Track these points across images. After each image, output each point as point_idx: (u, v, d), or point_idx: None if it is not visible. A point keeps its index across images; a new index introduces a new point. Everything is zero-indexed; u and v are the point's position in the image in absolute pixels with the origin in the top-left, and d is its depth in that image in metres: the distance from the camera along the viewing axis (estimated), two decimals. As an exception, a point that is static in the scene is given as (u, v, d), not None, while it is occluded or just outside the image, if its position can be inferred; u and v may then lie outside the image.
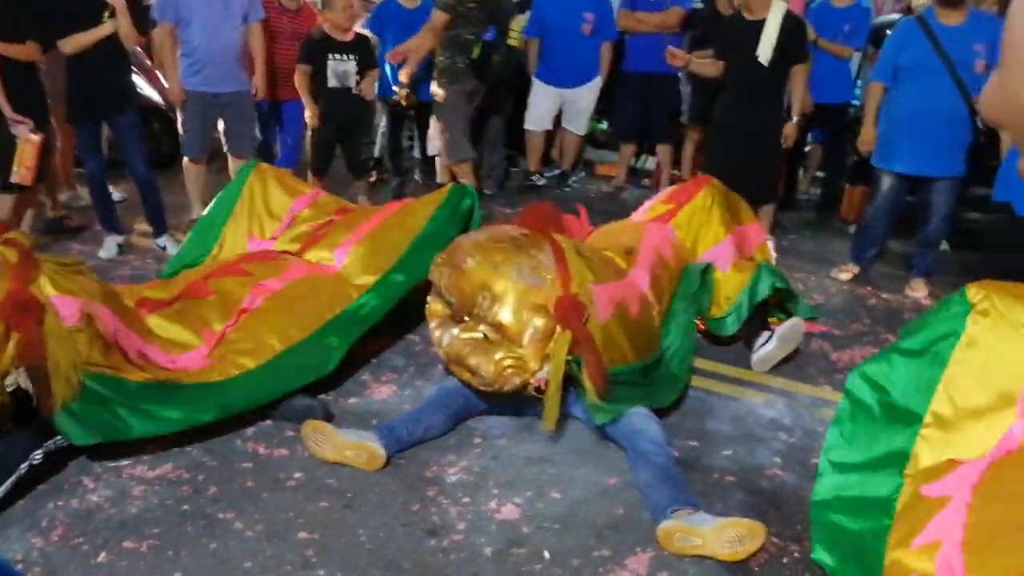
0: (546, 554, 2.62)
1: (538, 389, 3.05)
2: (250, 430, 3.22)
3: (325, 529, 2.68)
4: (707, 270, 4.00)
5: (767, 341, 3.90)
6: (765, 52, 5.16)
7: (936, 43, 4.72)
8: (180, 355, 3.36)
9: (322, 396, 3.45)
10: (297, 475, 2.96)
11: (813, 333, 4.37)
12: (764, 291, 3.90)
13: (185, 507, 2.77)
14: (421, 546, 2.63)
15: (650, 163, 7.59)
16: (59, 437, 2.84)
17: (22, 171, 4.63)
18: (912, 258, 5.27)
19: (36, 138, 4.63)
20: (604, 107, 7.36)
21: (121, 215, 5.35)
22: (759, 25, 5.15)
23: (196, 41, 5.18)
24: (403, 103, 6.11)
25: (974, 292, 2.48)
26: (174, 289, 3.72)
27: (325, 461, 3.01)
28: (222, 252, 4.22)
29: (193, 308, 3.58)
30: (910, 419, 2.43)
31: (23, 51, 4.60)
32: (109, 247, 5.11)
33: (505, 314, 3.07)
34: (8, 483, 2.72)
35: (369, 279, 3.85)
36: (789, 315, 4.15)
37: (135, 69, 5.33)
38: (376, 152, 7.01)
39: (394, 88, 6.06)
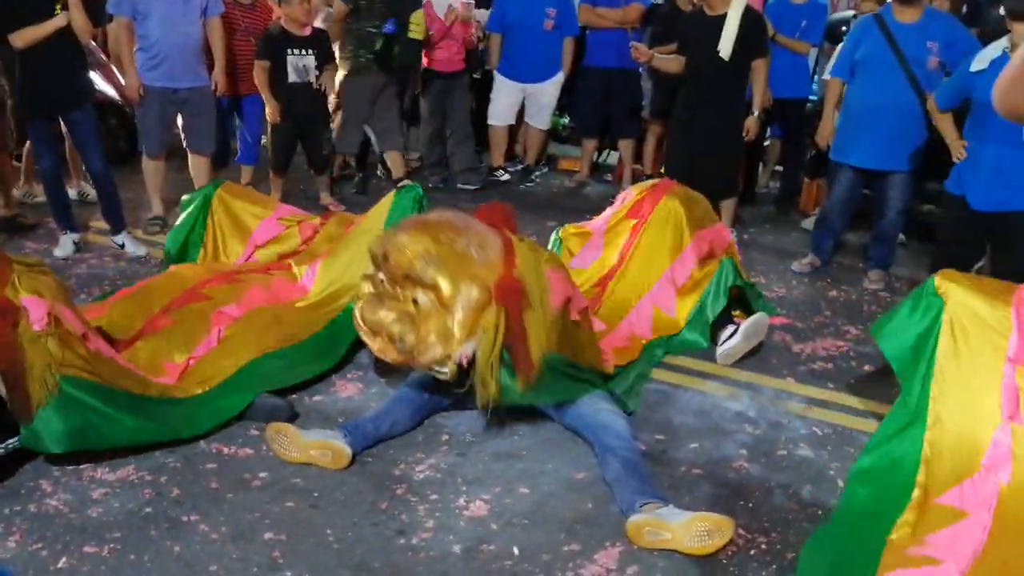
0: (515, 550, 2.62)
1: (461, 366, 2.99)
2: (213, 431, 3.17)
3: (292, 529, 2.65)
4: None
5: (732, 335, 3.94)
6: (726, 47, 5.20)
7: (891, 39, 4.79)
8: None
9: (288, 396, 3.41)
10: (262, 475, 2.92)
11: (775, 326, 4.41)
12: (722, 295, 3.98)
13: (148, 510, 2.72)
14: (390, 545, 2.61)
15: (612, 158, 7.61)
16: (11, 440, 2.78)
17: None
18: (870, 250, 5.35)
19: None
20: (566, 102, 7.38)
21: (77, 212, 5.24)
22: (720, 20, 5.20)
23: (154, 35, 5.08)
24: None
25: (939, 283, 2.57)
26: (131, 324, 3.61)
27: (292, 463, 2.97)
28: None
29: (151, 343, 3.50)
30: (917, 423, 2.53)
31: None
32: (65, 245, 5.00)
33: (442, 278, 2.96)
34: None
35: (338, 304, 3.91)
36: (750, 309, 4.19)
37: (90, 64, 5.22)
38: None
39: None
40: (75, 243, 5.04)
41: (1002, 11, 4.13)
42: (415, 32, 6.12)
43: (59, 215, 5.03)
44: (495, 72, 6.74)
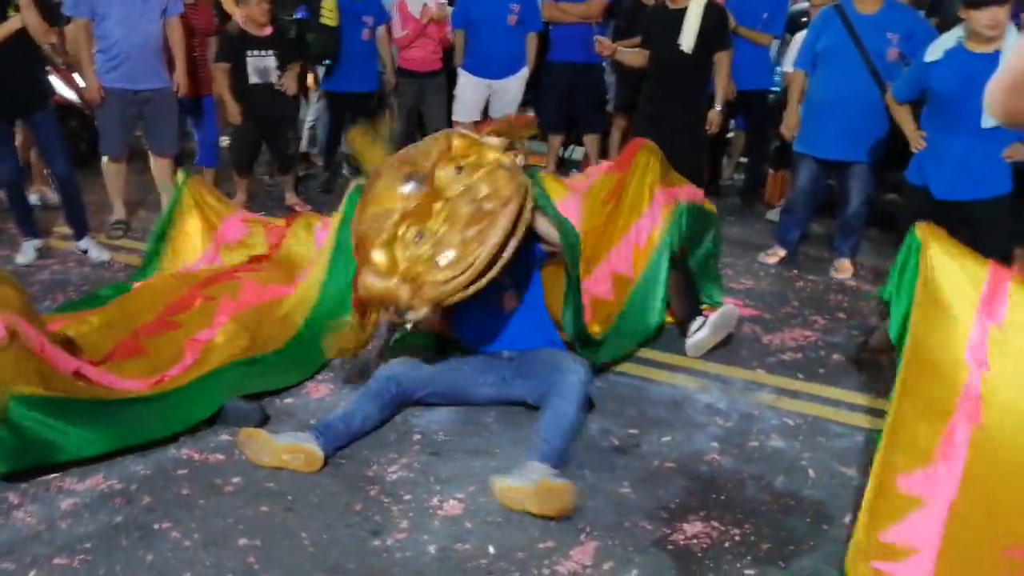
0: (491, 549, 2.61)
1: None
2: (183, 436, 3.13)
3: (266, 534, 2.63)
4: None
5: (700, 327, 3.96)
6: (688, 40, 5.24)
7: (852, 31, 4.84)
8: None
9: (259, 399, 3.38)
10: (235, 480, 2.89)
11: (745, 317, 4.45)
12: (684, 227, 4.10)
13: (118, 519, 2.69)
14: (365, 547, 2.60)
15: (578, 153, 7.63)
16: None
17: None
18: (835, 240, 5.41)
19: None
20: (531, 98, 7.38)
21: (38, 217, 5.16)
22: (681, 14, 5.23)
23: (113, 36, 5.01)
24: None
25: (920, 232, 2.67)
26: (98, 345, 3.55)
27: (265, 467, 2.95)
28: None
29: (120, 367, 3.44)
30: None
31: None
32: (27, 251, 4.92)
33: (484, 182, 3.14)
34: None
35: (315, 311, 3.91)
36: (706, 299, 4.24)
37: (48, 66, 5.14)
38: (303, 146, 6.89)
39: None
40: (37, 249, 4.96)
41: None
42: (327, 18, 6.08)
43: (21, 221, 4.94)
44: (459, 69, 6.72)
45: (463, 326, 3.48)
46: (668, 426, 3.37)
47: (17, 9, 4.46)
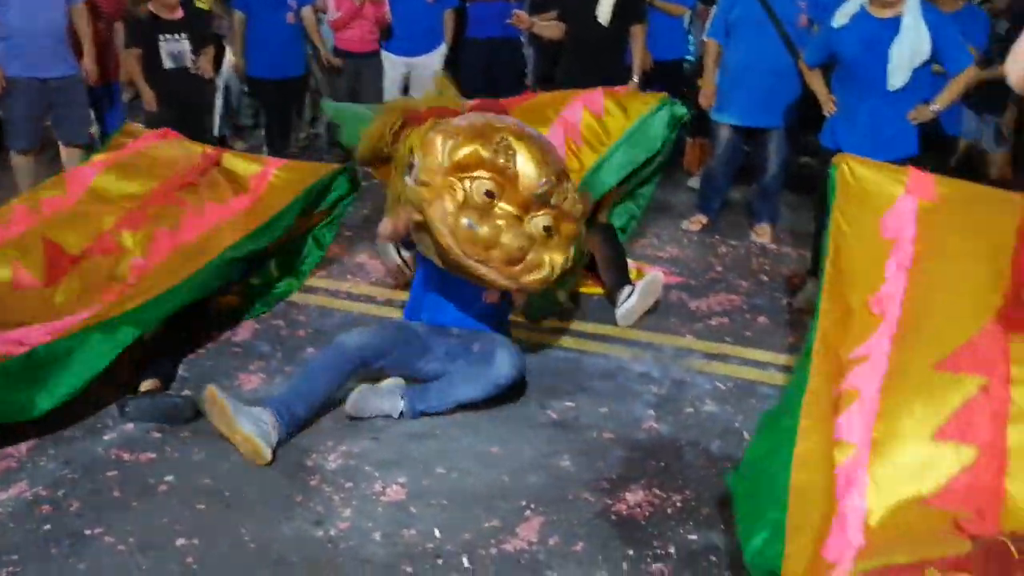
0: (436, 532, 2.60)
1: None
2: (110, 435, 3.03)
3: (205, 533, 2.56)
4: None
5: (629, 296, 4.00)
6: (604, 13, 5.26)
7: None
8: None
9: (186, 392, 3.28)
10: (168, 479, 2.81)
11: (671, 285, 4.52)
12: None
13: (47, 527, 2.58)
14: (308, 538, 2.55)
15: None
16: None
17: None
18: (754, 205, 5.53)
19: None
20: (450, 75, 7.29)
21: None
22: (598, -13, 5.23)
23: (14, 24, 4.79)
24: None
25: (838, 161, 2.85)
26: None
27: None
28: None
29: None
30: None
31: None
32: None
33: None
34: None
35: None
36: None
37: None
38: (215, 131, 6.70)
39: None
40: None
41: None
42: (201, 1, 5.90)
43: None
44: (380, 48, 6.61)
45: (429, 291, 3.41)
46: (604, 397, 3.40)
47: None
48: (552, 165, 3.16)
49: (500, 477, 2.87)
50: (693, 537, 2.61)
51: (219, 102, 6.85)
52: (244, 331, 3.83)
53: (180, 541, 2.52)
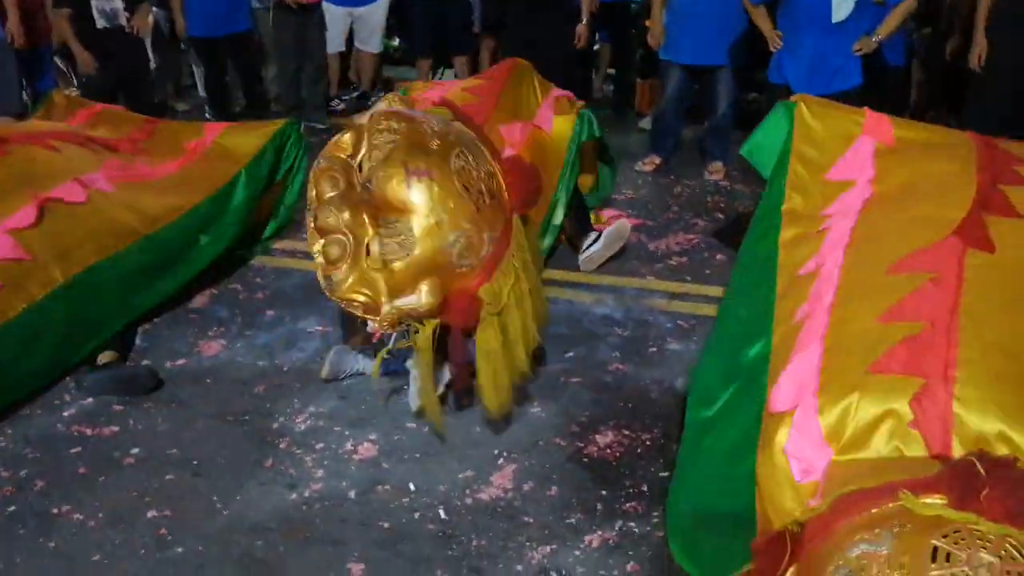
0: (411, 486, 2.60)
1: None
2: (70, 411, 2.97)
3: (176, 503, 2.53)
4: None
5: (594, 242, 3.99)
6: (550, -45, 5.17)
7: None
8: None
9: (146, 362, 3.22)
10: (134, 451, 2.76)
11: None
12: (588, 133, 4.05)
13: (11, 508, 2.52)
14: (282, 502, 2.54)
15: (449, 75, 7.47)
16: None
17: None
18: (707, 144, 5.53)
19: None
20: (395, 24, 7.17)
21: None
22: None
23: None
24: None
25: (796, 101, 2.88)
26: None
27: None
28: None
29: None
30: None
31: None
32: None
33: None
34: None
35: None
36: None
37: None
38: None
39: None
40: None
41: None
42: None
43: None
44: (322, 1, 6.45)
45: None
46: (569, 342, 3.41)
47: None
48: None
49: (472, 427, 2.87)
50: (664, 474, 2.64)
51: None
52: (201, 297, 3.75)
53: (151, 513, 2.49)
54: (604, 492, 2.57)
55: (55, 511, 2.50)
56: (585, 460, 2.71)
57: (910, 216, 2.38)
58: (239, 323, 3.57)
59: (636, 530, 2.42)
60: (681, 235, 4.46)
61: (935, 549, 1.39)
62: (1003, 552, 1.37)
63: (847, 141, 2.84)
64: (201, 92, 6.68)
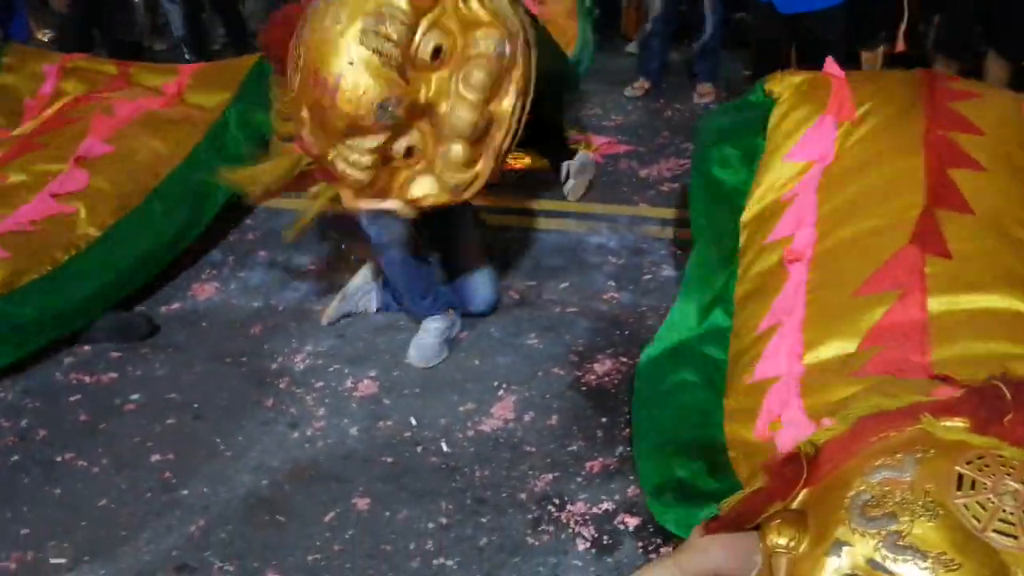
0: (412, 420, 2.62)
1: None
2: (67, 360, 2.96)
3: (179, 447, 2.54)
4: None
5: (568, 176, 3.95)
6: None
7: None
8: None
9: (139, 308, 3.21)
10: (134, 397, 2.77)
11: (620, 154, 4.47)
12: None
13: (15, 458, 2.54)
14: (285, 441, 2.55)
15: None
16: None
17: None
18: (695, 66, 5.44)
19: None
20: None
21: None
22: None
23: None
24: None
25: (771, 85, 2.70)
26: None
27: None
28: None
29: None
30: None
31: None
32: None
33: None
34: None
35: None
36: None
37: None
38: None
39: None
40: None
41: None
42: None
43: None
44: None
45: None
46: (564, 272, 3.40)
47: None
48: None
49: (470, 360, 2.88)
50: (664, 399, 2.66)
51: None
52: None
53: (155, 457, 2.50)
54: (604, 419, 2.59)
55: (58, 459, 2.52)
56: (584, 388, 2.73)
57: (869, 227, 2.35)
58: (231, 265, 3.54)
59: (637, 455, 2.45)
60: (672, 160, 4.41)
61: (960, 476, 1.38)
62: None
63: (808, 120, 2.77)
64: (176, 32, 6.49)
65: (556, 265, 3.45)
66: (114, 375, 2.88)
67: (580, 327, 3.04)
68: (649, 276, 3.36)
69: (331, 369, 2.87)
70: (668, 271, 3.38)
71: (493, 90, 2.30)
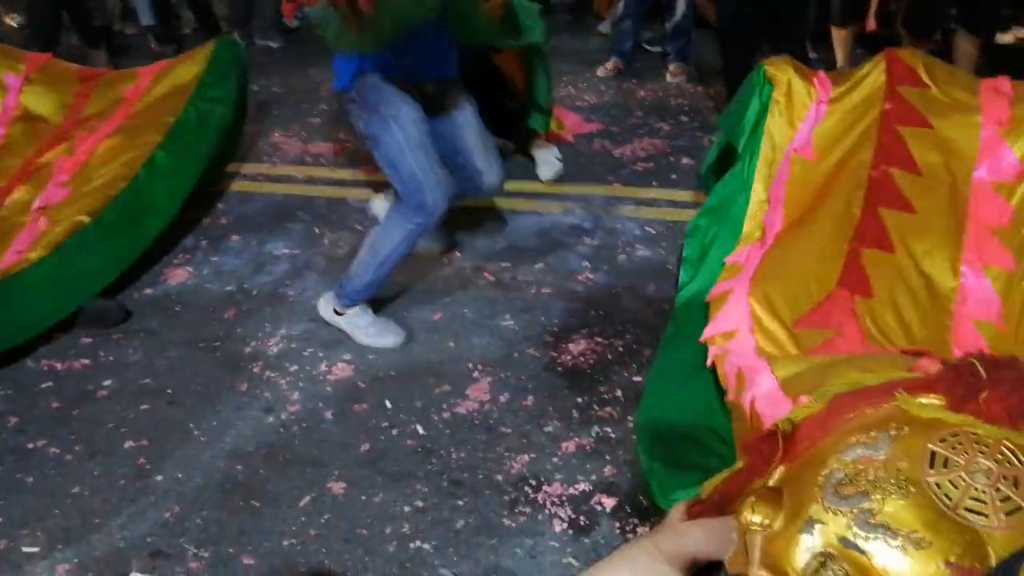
0: (387, 404, 2.62)
1: None
2: (40, 348, 2.92)
3: (153, 432, 2.53)
4: None
5: (540, 164, 3.94)
6: None
7: None
8: None
9: (116, 295, 3.16)
10: (106, 383, 2.74)
11: (593, 133, 4.47)
12: None
13: (-14, 446, 2.52)
14: (260, 426, 2.55)
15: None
16: None
17: None
18: (667, 45, 5.44)
19: None
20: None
21: None
22: None
23: None
24: None
25: (771, 71, 2.76)
26: None
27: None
28: None
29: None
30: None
31: None
32: None
33: None
34: None
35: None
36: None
37: None
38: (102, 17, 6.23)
39: None
40: None
41: None
42: None
43: None
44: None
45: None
46: (538, 253, 3.40)
47: None
48: None
49: (445, 343, 2.88)
50: (637, 379, 2.68)
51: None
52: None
53: (128, 443, 2.49)
54: (579, 399, 2.60)
55: (30, 446, 2.49)
56: (559, 369, 2.74)
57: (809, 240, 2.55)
58: (204, 249, 3.51)
59: (612, 435, 2.46)
60: (646, 140, 4.42)
61: (933, 454, 1.42)
62: (999, 456, 1.40)
63: (800, 115, 2.84)
64: (144, 22, 6.35)
65: (531, 246, 3.45)
66: (86, 361, 2.85)
67: (555, 308, 3.05)
68: (624, 256, 3.37)
69: (305, 353, 2.86)
70: (643, 251, 3.39)
71: None
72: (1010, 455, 1.50)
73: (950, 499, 1.52)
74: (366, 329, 2.88)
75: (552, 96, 3.97)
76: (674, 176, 4.03)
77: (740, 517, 1.66)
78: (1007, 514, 1.49)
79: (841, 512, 1.46)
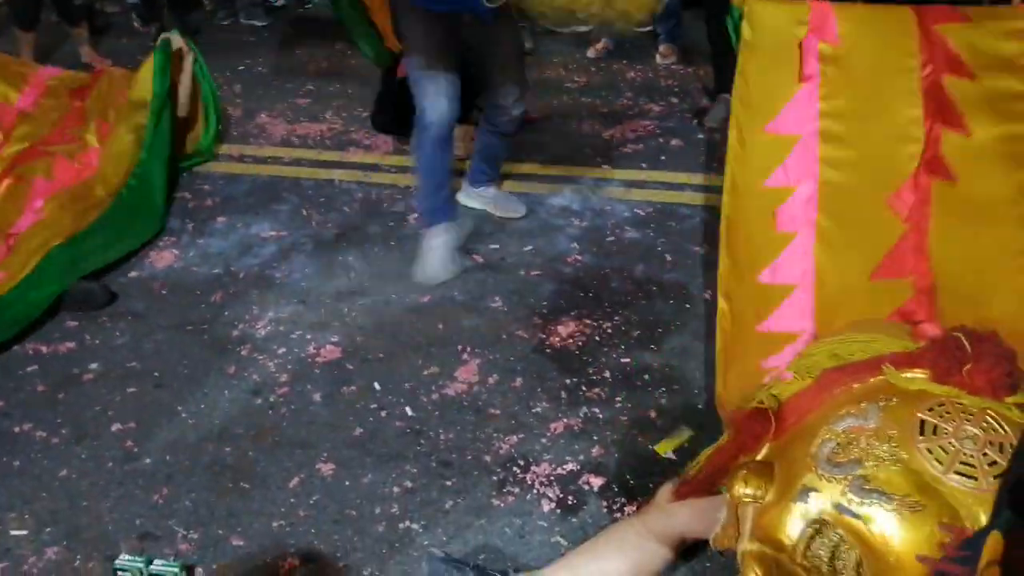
0: (376, 385, 2.61)
1: None
2: (23, 330, 2.90)
3: (140, 415, 2.52)
4: None
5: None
6: None
7: None
8: None
9: (101, 278, 3.14)
10: (92, 366, 2.73)
11: (583, 114, 4.46)
12: None
13: (-29, 430, 2.50)
14: (249, 407, 2.54)
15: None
16: None
17: None
18: (657, 26, 5.41)
19: None
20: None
21: None
22: None
23: None
24: None
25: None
26: None
27: None
28: None
29: None
30: None
31: None
32: None
33: None
34: None
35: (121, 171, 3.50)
36: None
37: None
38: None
39: None
40: None
41: None
42: None
43: None
44: None
45: None
46: (527, 235, 3.39)
47: None
48: None
49: (434, 324, 2.88)
50: (626, 360, 2.68)
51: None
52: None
53: (116, 427, 2.48)
54: (568, 381, 2.60)
55: (16, 430, 2.48)
56: (548, 350, 2.74)
57: (868, 169, 2.30)
58: (190, 231, 3.48)
59: (600, 416, 2.47)
60: (636, 122, 4.41)
61: (922, 422, 1.44)
62: (984, 424, 1.43)
63: (792, 57, 2.66)
64: None
65: (519, 228, 3.44)
66: (72, 344, 2.83)
67: (544, 289, 3.05)
68: (612, 238, 3.36)
69: (293, 335, 2.85)
70: (632, 233, 3.39)
71: None
72: (994, 423, 1.53)
73: (941, 464, 1.55)
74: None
75: None
76: (663, 158, 4.02)
77: (732, 490, 1.67)
78: (995, 477, 1.51)
79: (836, 479, 1.47)
